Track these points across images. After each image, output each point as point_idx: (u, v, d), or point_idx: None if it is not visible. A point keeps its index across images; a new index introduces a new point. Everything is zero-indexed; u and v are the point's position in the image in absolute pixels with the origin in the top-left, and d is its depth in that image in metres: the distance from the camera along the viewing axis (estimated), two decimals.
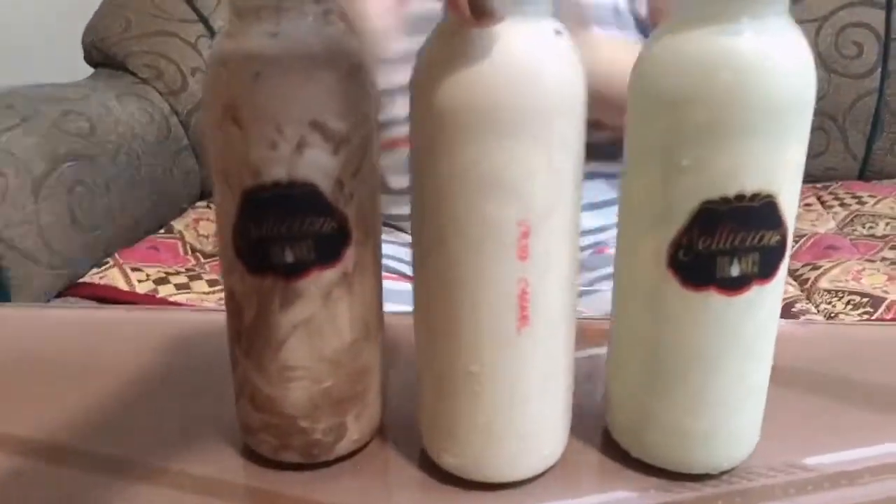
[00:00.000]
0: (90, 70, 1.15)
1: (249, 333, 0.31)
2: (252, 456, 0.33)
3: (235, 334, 0.32)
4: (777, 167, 0.27)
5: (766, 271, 0.28)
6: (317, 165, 0.28)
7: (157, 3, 1.13)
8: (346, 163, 0.28)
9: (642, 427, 0.32)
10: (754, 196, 0.27)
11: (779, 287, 0.29)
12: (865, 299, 0.77)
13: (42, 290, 0.78)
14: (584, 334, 0.37)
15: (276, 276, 0.29)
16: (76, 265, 0.83)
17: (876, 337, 0.46)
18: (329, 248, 0.29)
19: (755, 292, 0.28)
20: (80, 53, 1.14)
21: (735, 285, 0.28)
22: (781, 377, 0.33)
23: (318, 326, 0.30)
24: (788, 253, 0.29)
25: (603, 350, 0.34)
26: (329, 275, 0.29)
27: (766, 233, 0.28)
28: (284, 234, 0.28)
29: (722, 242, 0.28)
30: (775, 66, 0.26)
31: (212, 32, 1.15)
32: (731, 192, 0.27)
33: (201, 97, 0.29)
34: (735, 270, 0.28)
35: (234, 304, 0.31)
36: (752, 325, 0.29)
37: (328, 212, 0.28)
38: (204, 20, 1.15)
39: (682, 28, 0.27)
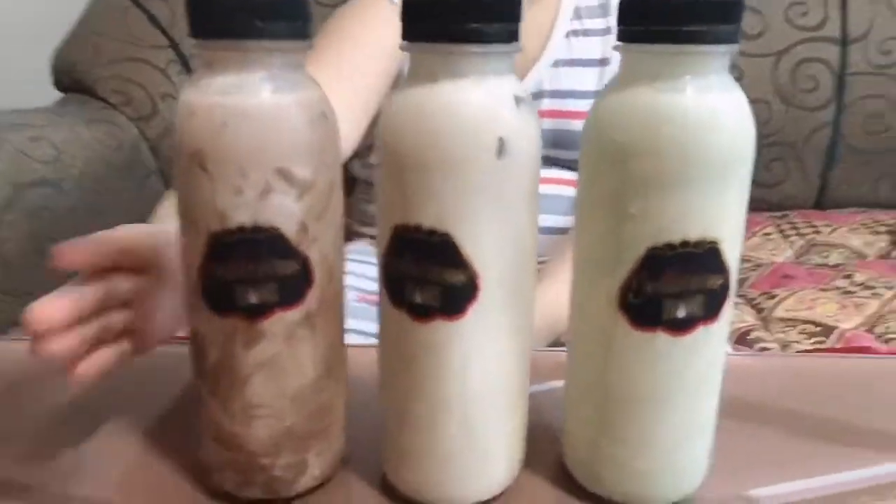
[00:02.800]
0: (58, 95, 1.14)
1: (214, 372, 0.31)
2: (216, 494, 0.34)
3: (200, 373, 0.32)
4: (719, 216, 0.29)
5: (710, 313, 0.30)
6: (281, 211, 0.29)
7: (128, 30, 1.14)
8: (310, 208, 0.29)
9: (595, 462, 0.33)
10: (698, 243, 0.29)
11: (723, 327, 0.31)
12: (818, 328, 0.80)
13: (2, 317, 0.77)
14: (545, 366, 0.38)
15: (240, 317, 0.30)
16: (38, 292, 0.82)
17: (824, 368, 0.48)
18: (292, 291, 0.30)
19: (701, 333, 0.30)
20: (49, 78, 1.13)
21: (682, 326, 0.30)
22: (732, 409, 0.35)
23: (282, 366, 0.31)
24: (732, 295, 0.31)
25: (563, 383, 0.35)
26: (292, 315, 0.30)
27: (709, 277, 0.29)
28: (248, 277, 0.29)
29: (668, 286, 0.29)
30: (716, 121, 0.28)
31: (182, 58, 1.15)
32: (676, 239, 0.28)
33: (173, 143, 0.30)
34: (681, 312, 0.29)
35: (197, 344, 0.32)
36: (699, 364, 0.31)
37: (291, 255, 0.29)
38: (174, 45, 1.15)
39: (630, 83, 0.29)
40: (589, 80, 0.79)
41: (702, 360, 0.31)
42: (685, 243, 0.28)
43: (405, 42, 0.29)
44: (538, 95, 0.75)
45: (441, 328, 0.29)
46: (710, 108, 0.28)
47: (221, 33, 0.28)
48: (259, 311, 0.30)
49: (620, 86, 0.29)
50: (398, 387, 0.32)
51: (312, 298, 0.30)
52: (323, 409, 0.33)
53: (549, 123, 0.76)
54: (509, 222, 0.29)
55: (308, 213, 0.29)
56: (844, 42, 1.16)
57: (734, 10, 0.28)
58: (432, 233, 0.28)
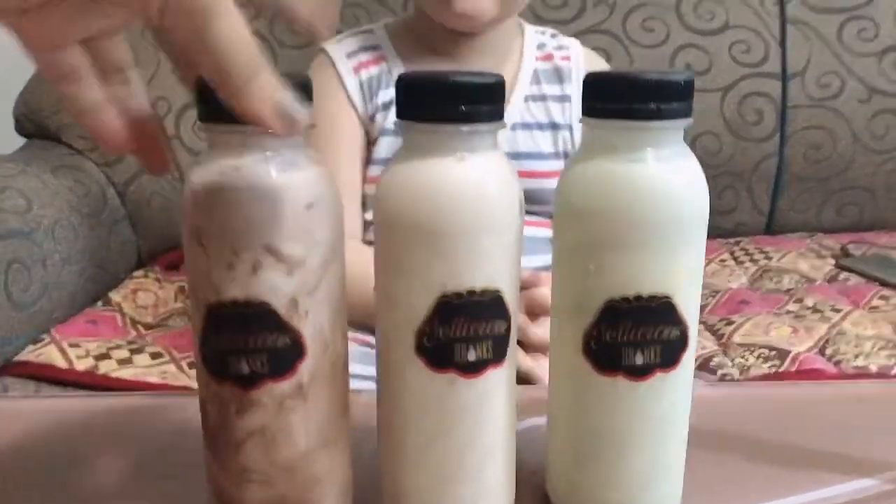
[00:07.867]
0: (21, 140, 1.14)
1: (213, 435, 0.33)
2: None
3: (205, 433, 0.34)
4: (671, 273, 0.32)
5: (667, 361, 0.33)
6: (271, 286, 0.30)
7: None
8: (301, 284, 0.31)
9: (572, 497, 0.35)
10: (651, 297, 0.31)
11: (683, 374, 0.33)
12: (773, 352, 0.84)
13: None
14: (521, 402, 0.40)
15: (233, 385, 0.31)
16: (12, 343, 0.82)
17: (783, 396, 0.51)
18: (282, 363, 0.31)
19: (659, 379, 0.33)
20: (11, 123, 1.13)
21: (639, 372, 0.32)
22: (698, 439, 0.37)
23: (272, 435, 0.32)
24: (692, 345, 0.33)
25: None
26: (282, 387, 0.31)
27: (665, 328, 0.32)
28: (241, 348, 0.31)
29: (625, 335, 0.32)
30: (666, 189, 0.31)
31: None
32: (630, 293, 0.31)
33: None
34: (639, 359, 0.32)
35: (202, 406, 0.33)
36: (659, 408, 0.33)
37: (282, 329, 0.31)
38: None
39: (590, 153, 0.32)
40: (543, 142, 0.80)
41: (662, 405, 0.33)
42: (639, 297, 0.31)
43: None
44: None
45: (491, 377, 0.32)
46: (661, 178, 0.31)
47: (222, 118, 0.29)
48: (250, 381, 0.31)
49: (583, 155, 0.32)
50: (384, 424, 0.34)
51: (305, 371, 0.31)
52: (315, 480, 0.33)
53: None
54: None
55: (299, 289, 0.31)
56: (785, 77, 1.22)
57: (685, 89, 0.31)
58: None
